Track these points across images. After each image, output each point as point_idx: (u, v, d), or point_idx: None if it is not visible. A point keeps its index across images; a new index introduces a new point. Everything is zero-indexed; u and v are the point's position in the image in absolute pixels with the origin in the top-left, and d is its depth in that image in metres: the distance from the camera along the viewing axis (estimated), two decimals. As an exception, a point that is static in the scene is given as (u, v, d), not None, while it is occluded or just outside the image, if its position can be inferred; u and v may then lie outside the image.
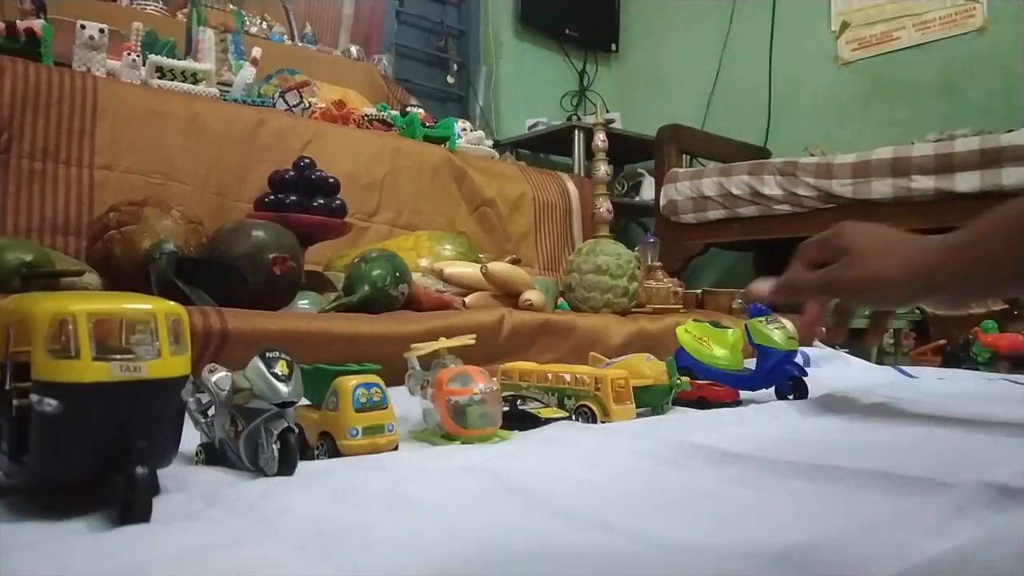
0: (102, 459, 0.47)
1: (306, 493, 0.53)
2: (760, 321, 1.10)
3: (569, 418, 0.85)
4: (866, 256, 0.62)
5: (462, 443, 0.72)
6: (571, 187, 2.39)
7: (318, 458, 0.66)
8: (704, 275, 3.02)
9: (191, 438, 0.63)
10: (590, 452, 0.67)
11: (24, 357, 0.46)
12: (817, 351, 1.59)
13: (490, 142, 2.42)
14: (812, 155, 2.30)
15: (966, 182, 1.91)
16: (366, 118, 2.04)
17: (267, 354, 0.58)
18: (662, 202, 2.44)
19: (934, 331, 2.49)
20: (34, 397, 0.45)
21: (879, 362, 1.81)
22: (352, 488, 0.54)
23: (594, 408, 0.86)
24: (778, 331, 1.12)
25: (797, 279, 0.66)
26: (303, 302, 1.12)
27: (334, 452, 0.65)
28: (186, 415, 0.59)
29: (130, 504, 0.45)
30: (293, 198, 1.24)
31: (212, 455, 0.62)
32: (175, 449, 0.52)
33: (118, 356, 0.47)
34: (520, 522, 0.47)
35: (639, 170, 3.11)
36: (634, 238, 2.64)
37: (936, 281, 0.58)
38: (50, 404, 0.45)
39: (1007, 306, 2.34)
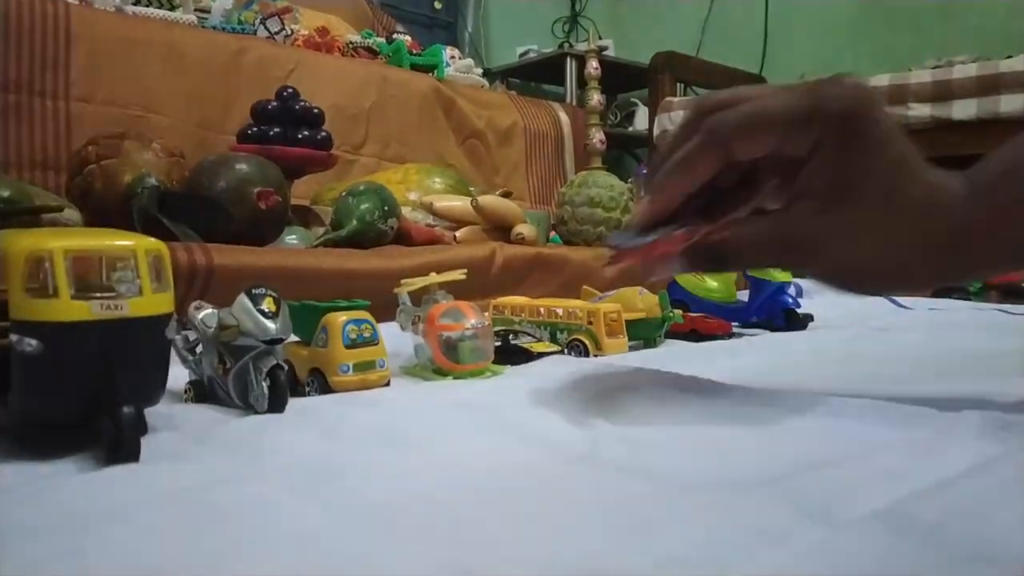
0: (87, 399, 0.46)
1: (297, 430, 0.52)
2: (754, 253, 1.10)
3: (561, 352, 0.84)
4: (853, 205, 0.39)
5: (454, 378, 0.72)
6: (563, 117, 2.34)
7: (309, 395, 0.65)
8: (697, 206, 2.99)
9: (179, 376, 0.63)
10: (582, 386, 0.66)
11: (2, 296, 0.45)
12: (804, 282, 1.60)
13: (479, 71, 2.36)
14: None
15: (963, 110, 1.89)
16: (350, 46, 1.98)
17: (253, 291, 0.56)
18: (655, 132, 2.41)
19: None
20: (13, 337, 0.44)
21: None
22: (343, 425, 0.53)
23: (586, 342, 0.86)
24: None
25: (725, 247, 0.43)
26: (291, 237, 1.11)
27: (325, 388, 0.65)
28: (173, 353, 0.58)
29: (117, 444, 0.45)
30: (277, 130, 1.21)
31: (201, 393, 0.61)
32: (162, 388, 0.51)
33: (98, 294, 0.46)
34: (513, 457, 0.46)
35: (633, 99, 3.05)
36: (627, 170, 2.61)
37: (951, 273, 0.43)
38: (30, 344, 0.44)
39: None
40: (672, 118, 2.36)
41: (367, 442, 0.49)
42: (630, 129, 2.98)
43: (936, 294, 2.05)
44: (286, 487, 0.41)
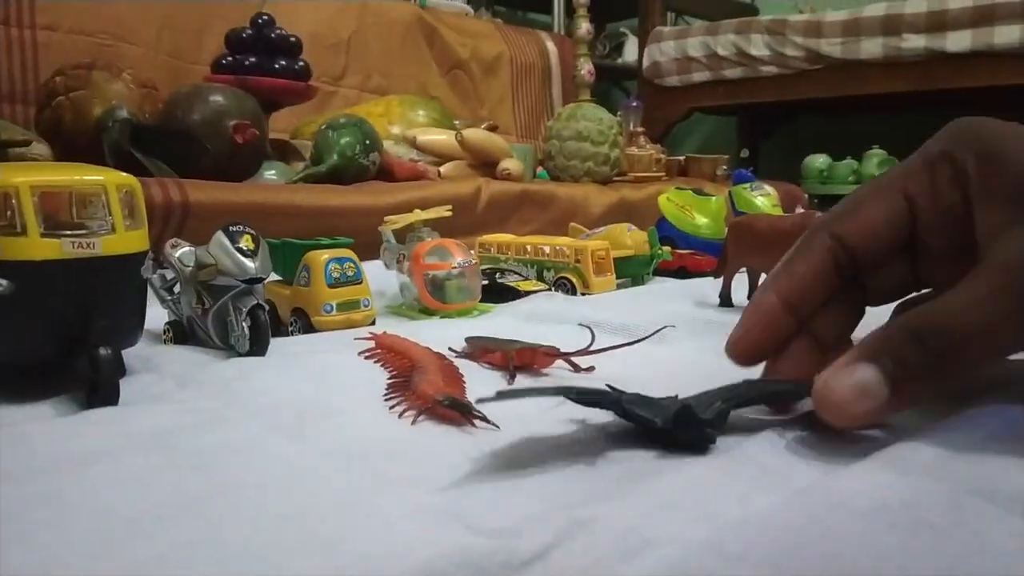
0: (62, 341, 0.45)
1: (280, 371, 0.51)
2: (744, 188, 1.08)
3: (549, 290, 0.84)
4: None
5: (441, 317, 0.71)
6: (551, 47, 2.28)
7: (292, 334, 0.64)
8: (687, 141, 2.96)
9: (158, 317, 0.61)
10: (570, 323, 0.66)
11: (-32, 234, 0.43)
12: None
13: (463, -3, 2.29)
14: (801, 12, 2.21)
15: (957, 42, 1.85)
16: (329, -29, 1.90)
17: (231, 228, 0.55)
18: (645, 64, 2.36)
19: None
20: (-19, 277, 0.42)
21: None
22: (328, 365, 0.52)
23: (574, 280, 0.85)
24: (762, 198, 1.11)
25: (945, 324, 0.28)
26: (270, 173, 1.08)
27: (308, 328, 0.64)
28: (151, 293, 0.57)
29: (95, 387, 0.43)
30: (252, 59, 1.16)
31: (180, 333, 0.60)
32: (140, 329, 0.49)
33: (69, 232, 0.44)
34: (517, 406, 0.46)
35: (622, 29, 2.97)
36: (616, 103, 2.56)
37: None
38: (1, 284, 0.42)
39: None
40: (662, 49, 2.31)
41: (351, 382, 0.48)
42: (619, 61, 2.91)
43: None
44: (269, 429, 0.40)
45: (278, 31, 1.22)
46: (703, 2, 2.63)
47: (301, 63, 1.22)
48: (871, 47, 1.94)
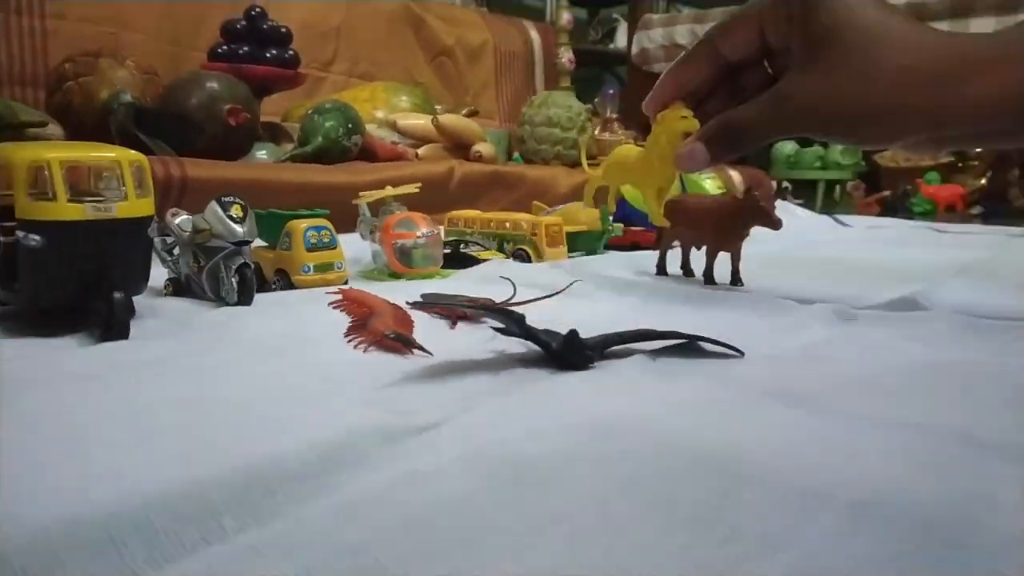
0: (83, 287, 0.55)
1: (262, 316, 0.61)
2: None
3: (506, 259, 0.94)
4: (851, 52, 0.38)
5: (407, 280, 0.81)
6: (534, 35, 2.37)
7: (275, 290, 0.74)
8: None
9: (161, 275, 0.71)
10: (518, 286, 0.76)
11: (8, 200, 0.53)
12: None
13: (451, -14, 2.37)
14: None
15: (981, 27, 1.89)
16: (320, -38, 1.99)
17: (223, 199, 0.65)
18: (634, 51, 2.39)
19: (885, 182, 2.60)
20: (20, 233, 0.52)
21: (824, 212, 1.91)
22: (302, 313, 0.63)
23: (529, 251, 0.95)
24: (710, 181, 1.21)
25: (736, 123, 0.42)
26: (261, 152, 1.18)
27: (289, 286, 0.74)
28: (154, 255, 0.67)
29: (110, 324, 0.54)
30: (245, 49, 1.26)
31: (179, 288, 0.70)
32: (146, 280, 0.60)
33: (89, 199, 0.54)
34: (453, 343, 0.56)
35: (615, 15, 3.02)
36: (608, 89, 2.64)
37: (948, 112, 0.37)
38: (34, 239, 0.52)
39: (953, 158, 2.44)
40: (651, 36, 2.36)
41: (320, 324, 0.59)
42: (611, 46, 2.97)
43: (882, 213, 2.17)
44: (251, 355, 0.50)
45: (270, 23, 1.31)
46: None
47: (291, 52, 1.32)
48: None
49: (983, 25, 1.85)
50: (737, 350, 0.49)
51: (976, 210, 2.18)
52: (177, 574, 0.24)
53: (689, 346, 0.50)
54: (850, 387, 0.41)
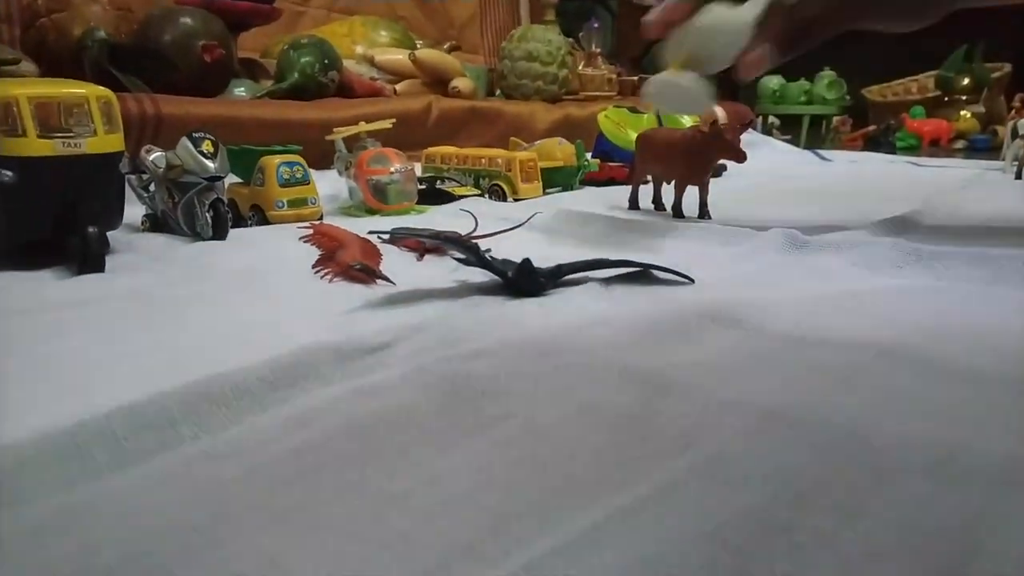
0: (57, 221, 0.56)
1: (237, 250, 0.63)
2: (667, 106, 1.18)
3: (482, 196, 0.95)
4: None
5: (382, 216, 0.83)
6: (518, -32, 2.32)
7: (250, 226, 0.76)
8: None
9: (138, 213, 0.73)
10: (490, 221, 0.78)
11: (-23, 138, 0.54)
12: (746, 136, 1.69)
13: (432, -84, 2.31)
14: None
15: None
16: None
17: (193, 134, 0.66)
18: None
19: (872, 117, 2.60)
20: (-8, 169, 0.54)
21: (809, 148, 1.91)
22: (276, 247, 0.64)
23: (504, 187, 0.96)
24: (686, 116, 1.21)
25: (801, 19, 0.47)
26: (239, 89, 1.17)
27: (263, 222, 0.75)
28: (130, 191, 0.68)
29: (85, 257, 0.56)
30: (220, -18, 1.24)
31: (155, 223, 0.72)
32: (120, 215, 0.61)
33: (59, 134, 0.55)
34: (424, 271, 0.58)
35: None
36: (603, 23, 2.60)
37: None
38: (7, 175, 0.54)
39: (939, 92, 2.43)
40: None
41: (291, 257, 0.60)
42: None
43: (865, 148, 2.17)
44: (223, 286, 0.52)
45: (245, -46, 1.29)
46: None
47: (267, -15, 1.30)
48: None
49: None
50: (687, 277, 0.51)
51: (960, 144, 2.18)
52: (138, 475, 0.27)
53: (642, 275, 0.52)
54: (785, 309, 0.44)
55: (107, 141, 0.57)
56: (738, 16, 0.49)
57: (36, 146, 0.54)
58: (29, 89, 0.54)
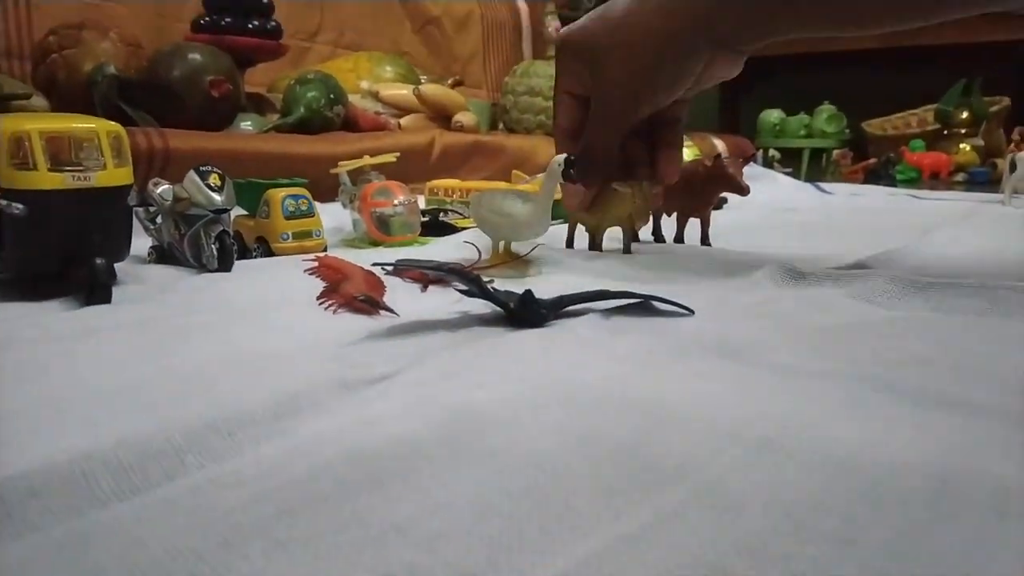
0: (66, 253, 0.57)
1: (242, 282, 0.64)
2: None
3: (484, 227, 0.96)
4: (610, 68, 0.60)
5: (385, 248, 0.83)
6: (521, 4, 2.37)
7: (255, 258, 0.77)
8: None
9: (145, 244, 0.74)
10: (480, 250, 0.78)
11: (-8, 171, 0.55)
12: (748, 169, 1.71)
13: (437, -45, 2.36)
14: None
15: None
16: (304, -70, 1.98)
17: (201, 168, 0.67)
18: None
19: (872, 150, 2.62)
20: (3, 202, 0.54)
21: (809, 181, 1.93)
22: (279, 279, 0.65)
23: (506, 218, 0.97)
24: (687, 149, 1.23)
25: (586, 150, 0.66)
26: (245, 123, 1.19)
27: (268, 253, 0.76)
28: (137, 223, 0.69)
29: (93, 288, 0.56)
30: (228, 20, 1.27)
31: (161, 255, 0.73)
32: (127, 247, 0.62)
33: (69, 168, 0.56)
34: (421, 304, 0.59)
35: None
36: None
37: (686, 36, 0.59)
38: (17, 207, 0.55)
39: (938, 125, 2.46)
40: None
41: (295, 289, 0.61)
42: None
43: (866, 181, 2.19)
44: (228, 317, 0.53)
45: (253, -7, 1.32)
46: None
47: (273, 23, 1.33)
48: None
49: None
50: (688, 309, 0.52)
51: (960, 177, 2.20)
52: (141, 503, 0.27)
53: (643, 306, 0.53)
54: (783, 340, 0.44)
55: (116, 174, 0.58)
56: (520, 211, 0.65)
57: (47, 179, 0.55)
58: (40, 124, 0.55)
